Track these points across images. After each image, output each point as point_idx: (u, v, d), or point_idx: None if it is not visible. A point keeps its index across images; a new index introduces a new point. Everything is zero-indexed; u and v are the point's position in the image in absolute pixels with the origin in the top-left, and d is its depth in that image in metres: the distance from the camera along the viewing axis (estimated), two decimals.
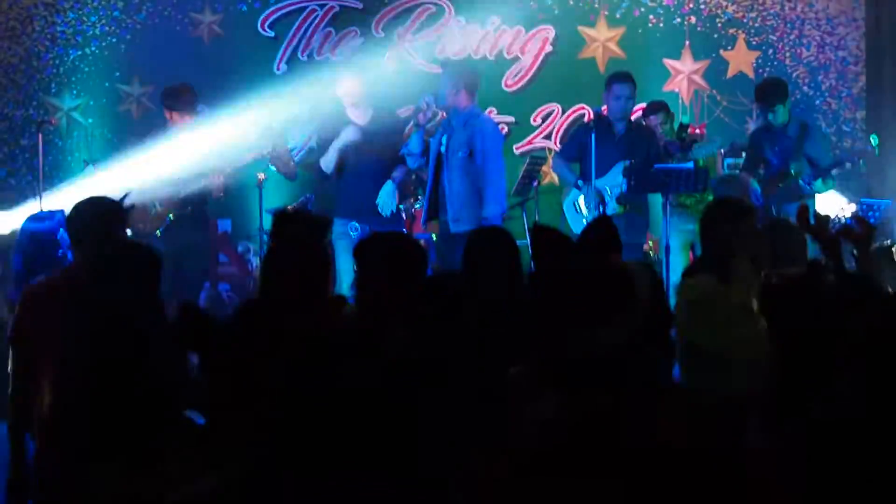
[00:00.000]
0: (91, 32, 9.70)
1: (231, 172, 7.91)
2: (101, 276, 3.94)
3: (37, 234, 5.13)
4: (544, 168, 9.53)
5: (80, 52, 9.69)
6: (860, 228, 4.19)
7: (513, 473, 2.07)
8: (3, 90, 9.64)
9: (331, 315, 3.60)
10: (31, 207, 7.14)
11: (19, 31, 9.63)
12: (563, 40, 9.96)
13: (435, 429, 2.28)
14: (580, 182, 7.94)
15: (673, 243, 7.51)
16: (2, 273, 6.21)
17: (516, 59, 9.95)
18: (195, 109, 7.91)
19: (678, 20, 9.95)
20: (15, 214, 7.52)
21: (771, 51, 9.98)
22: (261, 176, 8.10)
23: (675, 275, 7.08)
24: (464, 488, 2.17)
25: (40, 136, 8.13)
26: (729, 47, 9.99)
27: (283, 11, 9.90)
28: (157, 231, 7.82)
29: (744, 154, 8.12)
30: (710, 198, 7.68)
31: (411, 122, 8.05)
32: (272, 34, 9.87)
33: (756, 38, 9.98)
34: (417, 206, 8.14)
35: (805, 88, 9.92)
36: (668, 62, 9.93)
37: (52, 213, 5.27)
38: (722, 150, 8.52)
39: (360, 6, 9.91)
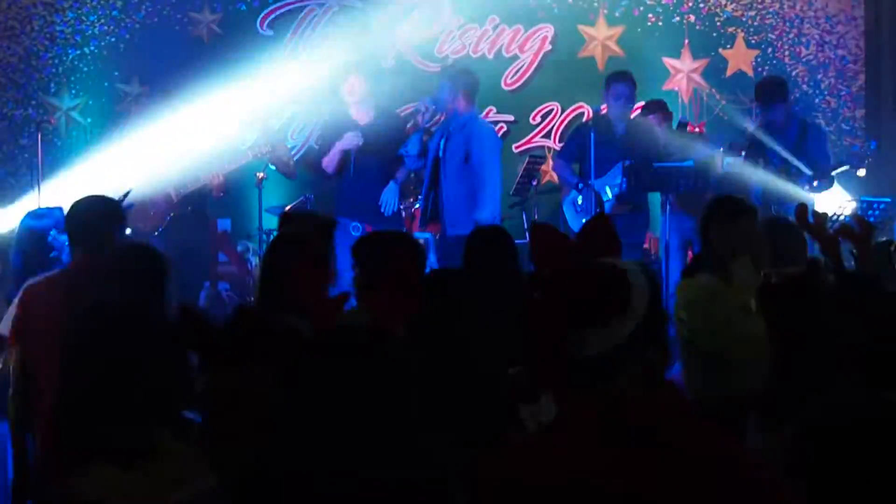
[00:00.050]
0: (90, 32, 9.69)
1: (229, 166, 7.93)
2: (104, 277, 3.94)
3: (36, 232, 5.13)
4: (543, 167, 9.54)
5: (79, 52, 9.68)
6: (860, 227, 4.19)
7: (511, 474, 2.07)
8: (2, 90, 9.63)
9: (330, 314, 3.59)
10: (28, 204, 7.13)
11: (18, 31, 9.63)
12: (563, 39, 9.95)
13: (435, 429, 2.28)
14: (580, 185, 7.95)
15: (672, 242, 7.51)
16: (1, 272, 6.21)
17: (515, 57, 9.94)
18: None
19: (677, 19, 9.95)
20: (13, 210, 7.51)
21: (770, 49, 9.98)
22: (260, 175, 8.10)
23: (674, 274, 7.09)
24: (464, 488, 2.17)
25: (39, 135, 8.14)
26: (728, 46, 9.99)
27: (282, 11, 9.89)
28: (156, 230, 7.83)
29: (743, 153, 8.11)
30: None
31: (410, 123, 8.06)
32: (271, 33, 9.87)
33: (755, 37, 9.98)
34: (417, 205, 8.15)
35: (804, 87, 9.92)
36: (668, 61, 9.93)
37: (50, 211, 5.26)
38: (721, 150, 8.50)
39: (360, 5, 9.90)
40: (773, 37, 9.98)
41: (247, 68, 8.95)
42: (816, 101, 9.93)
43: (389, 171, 7.85)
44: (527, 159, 9.09)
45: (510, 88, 9.95)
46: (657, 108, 8.51)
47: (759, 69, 9.90)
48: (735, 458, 2.02)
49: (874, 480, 2.00)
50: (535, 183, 9.06)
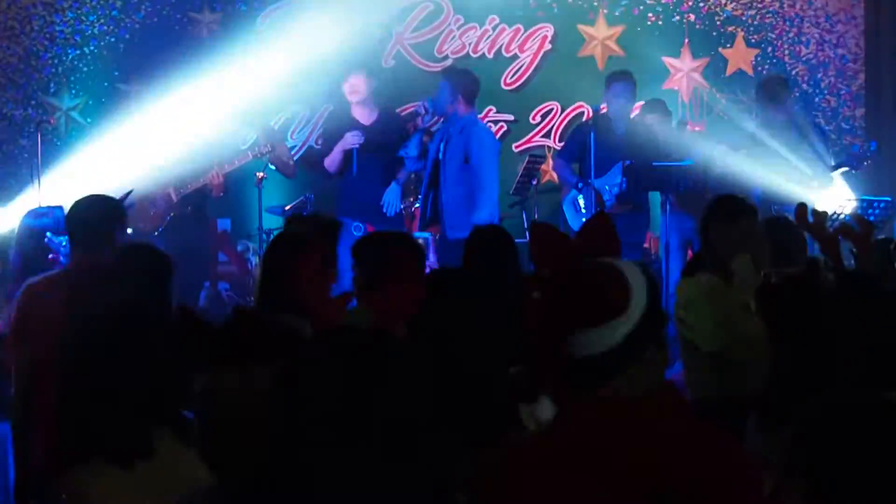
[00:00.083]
0: (90, 32, 9.68)
1: (229, 166, 7.92)
2: (107, 276, 3.94)
3: (35, 231, 5.14)
4: (543, 167, 9.53)
5: (78, 52, 9.68)
6: (860, 227, 4.19)
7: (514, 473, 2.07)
8: (1, 90, 9.63)
9: (334, 315, 3.60)
10: (28, 204, 7.13)
11: (18, 31, 9.62)
12: (562, 38, 9.95)
13: (435, 428, 2.28)
14: (580, 184, 7.95)
15: (672, 241, 7.51)
16: (1, 272, 6.21)
17: (515, 57, 9.94)
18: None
19: (677, 18, 9.94)
20: (13, 210, 7.51)
21: (770, 48, 9.97)
22: (260, 175, 8.10)
23: (674, 273, 7.09)
24: (466, 488, 2.17)
25: (39, 135, 8.14)
26: (728, 45, 9.98)
27: (282, 10, 9.88)
28: (156, 230, 7.83)
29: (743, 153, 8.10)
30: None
31: (409, 124, 8.08)
32: (271, 33, 9.84)
33: (755, 36, 9.97)
34: (417, 204, 8.16)
35: (804, 86, 9.91)
36: (668, 60, 9.92)
37: (50, 210, 5.27)
38: (722, 150, 8.50)
39: (360, 5, 9.89)
40: (773, 36, 9.97)
41: (245, 66, 8.94)
42: (816, 100, 9.92)
43: (391, 171, 7.87)
44: (527, 159, 9.09)
45: (510, 88, 9.94)
46: (657, 107, 8.51)
47: (759, 68, 9.89)
48: (734, 458, 2.02)
49: (874, 480, 2.00)
50: (535, 182, 9.06)
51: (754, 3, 9.94)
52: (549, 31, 9.92)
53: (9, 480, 4.84)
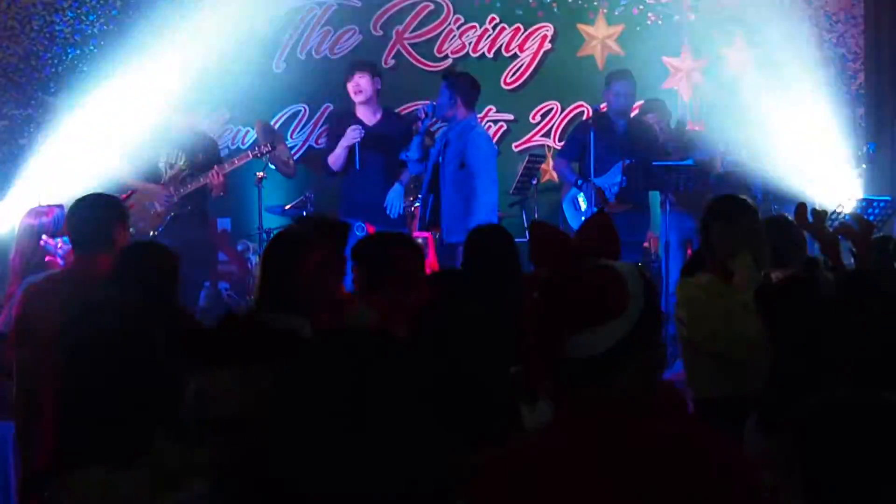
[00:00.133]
0: (90, 32, 9.68)
1: (229, 166, 7.92)
2: (111, 275, 3.94)
3: (34, 230, 5.13)
4: (543, 166, 9.54)
5: (78, 52, 9.68)
6: (859, 226, 4.19)
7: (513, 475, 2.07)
8: (1, 89, 9.63)
9: (329, 315, 3.60)
10: (27, 204, 7.12)
11: (18, 31, 9.62)
12: (562, 38, 9.95)
13: (435, 429, 2.28)
14: (580, 182, 7.96)
15: (672, 241, 7.52)
16: (1, 272, 6.21)
17: (515, 56, 9.94)
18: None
19: (677, 18, 9.93)
20: (13, 210, 7.51)
21: (770, 48, 9.96)
22: (260, 175, 8.10)
23: (674, 273, 7.09)
24: (465, 490, 2.17)
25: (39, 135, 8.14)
26: (728, 45, 9.97)
27: (282, 10, 9.89)
28: (156, 230, 7.82)
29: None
30: None
31: (413, 125, 8.09)
32: (270, 32, 9.85)
33: (755, 36, 9.96)
34: (416, 203, 8.17)
35: (804, 86, 9.90)
36: (667, 60, 9.92)
37: (50, 209, 5.26)
38: (721, 149, 8.50)
39: (359, 4, 9.90)
40: (773, 36, 9.95)
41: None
42: (816, 100, 9.91)
43: (393, 171, 7.88)
44: (526, 158, 9.10)
45: (510, 87, 9.95)
46: (657, 107, 8.52)
47: (759, 68, 9.88)
48: (733, 458, 2.02)
49: (873, 480, 2.00)
50: (534, 182, 9.07)
51: (754, 3, 9.93)
52: (548, 30, 9.92)
53: (9, 480, 4.84)
